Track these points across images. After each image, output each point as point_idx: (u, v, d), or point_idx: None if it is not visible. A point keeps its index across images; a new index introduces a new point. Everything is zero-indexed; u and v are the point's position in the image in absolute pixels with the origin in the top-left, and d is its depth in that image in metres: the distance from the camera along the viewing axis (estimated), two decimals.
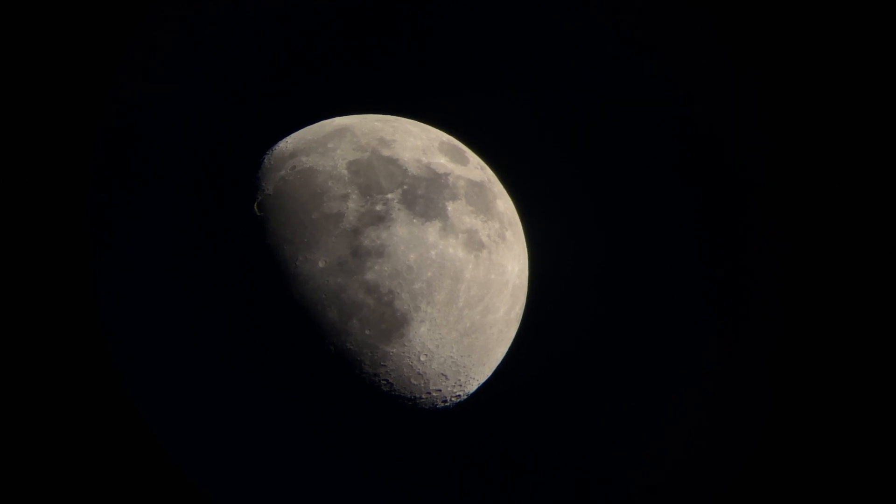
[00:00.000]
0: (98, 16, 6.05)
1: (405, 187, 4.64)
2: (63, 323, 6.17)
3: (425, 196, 4.65)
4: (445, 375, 4.82)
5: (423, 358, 4.65)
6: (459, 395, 5.09)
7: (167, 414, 6.30)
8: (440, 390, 4.89)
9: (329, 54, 6.54)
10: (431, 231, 4.57)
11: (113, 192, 6.48)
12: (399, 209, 4.56)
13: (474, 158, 5.20)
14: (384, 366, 4.61)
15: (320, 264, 4.46)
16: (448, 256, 4.59)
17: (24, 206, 6.08)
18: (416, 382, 4.75)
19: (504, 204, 5.15)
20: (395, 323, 4.53)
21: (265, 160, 4.98)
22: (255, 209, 4.69)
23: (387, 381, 4.67)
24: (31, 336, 6.06)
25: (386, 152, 4.77)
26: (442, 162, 4.88)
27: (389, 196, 4.59)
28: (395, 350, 4.58)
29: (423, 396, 4.86)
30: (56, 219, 6.20)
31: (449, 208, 4.68)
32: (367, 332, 4.51)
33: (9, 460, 5.91)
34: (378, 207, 4.55)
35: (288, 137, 5.13)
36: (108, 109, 6.34)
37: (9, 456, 5.92)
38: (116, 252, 6.45)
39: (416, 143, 4.93)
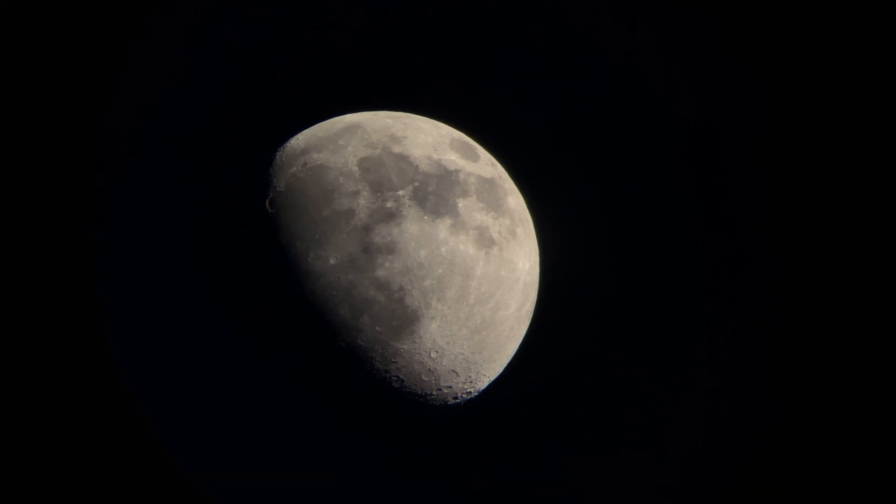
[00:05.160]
0: (102, 11, 6.04)
1: (416, 184, 4.65)
2: (63, 323, 6.14)
3: (436, 193, 4.65)
4: (456, 372, 4.83)
5: (433, 355, 4.66)
6: (470, 392, 5.10)
7: (169, 414, 6.27)
8: (451, 387, 4.90)
9: (340, 51, 6.55)
10: (442, 228, 4.58)
11: (113, 192, 6.45)
12: (410, 206, 4.57)
13: (485, 155, 5.21)
14: (395, 362, 4.61)
15: (331, 261, 4.46)
16: (459, 253, 4.60)
17: (24, 206, 6.04)
18: (426, 379, 4.75)
19: (515, 201, 5.17)
20: (405, 320, 4.53)
21: (276, 157, 4.98)
22: (267, 206, 4.69)
23: (397, 377, 4.67)
24: (31, 336, 6.03)
25: (397, 149, 4.78)
26: (453, 159, 4.89)
27: (400, 193, 4.59)
28: (405, 347, 4.58)
29: (434, 393, 4.86)
30: (56, 219, 6.17)
31: (460, 205, 4.69)
32: (377, 328, 4.51)
33: (9, 460, 5.87)
34: (389, 204, 4.55)
35: (299, 134, 5.13)
36: (110, 108, 6.32)
37: (9, 456, 5.88)
38: (117, 252, 6.42)
39: (427, 139, 4.94)
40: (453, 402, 5.05)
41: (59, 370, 6.08)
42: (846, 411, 5.94)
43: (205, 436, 6.25)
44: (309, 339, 4.55)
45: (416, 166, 4.72)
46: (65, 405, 6.07)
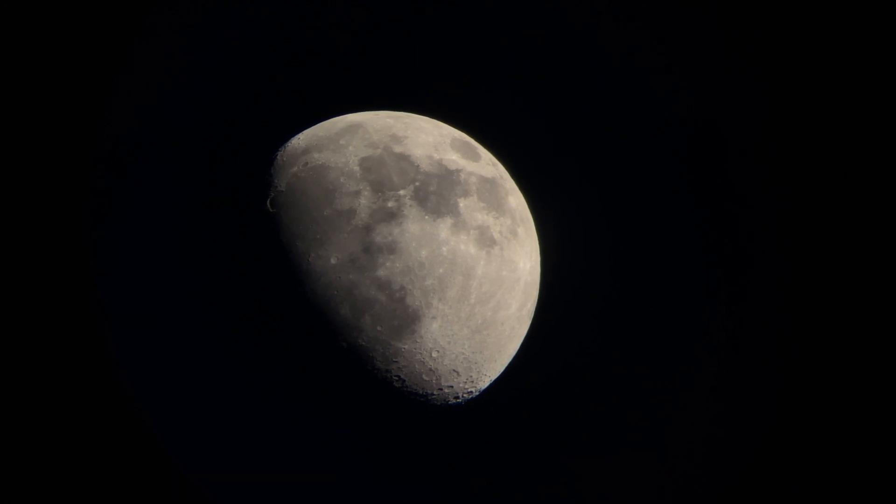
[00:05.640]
0: (102, 11, 6.04)
1: (417, 184, 4.65)
2: (63, 323, 6.14)
3: (437, 192, 4.66)
4: (457, 372, 4.82)
5: (434, 354, 4.66)
6: (471, 392, 5.10)
7: (169, 414, 6.27)
8: (452, 387, 4.89)
9: (340, 51, 6.55)
10: (443, 227, 4.58)
11: (113, 192, 6.45)
12: (411, 206, 4.57)
13: (486, 155, 5.21)
14: (396, 362, 4.61)
15: (332, 261, 4.46)
16: (460, 253, 4.60)
17: (25, 206, 6.04)
18: (427, 379, 4.75)
19: (516, 200, 5.17)
20: (406, 319, 4.53)
21: (277, 157, 4.98)
22: (268, 206, 4.69)
23: (399, 377, 4.67)
24: (31, 336, 6.02)
25: (398, 149, 4.78)
26: (454, 158, 4.89)
27: (401, 192, 4.59)
28: (406, 346, 4.58)
29: (435, 393, 4.86)
30: (56, 219, 6.17)
31: (461, 205, 4.69)
32: (378, 328, 4.51)
33: (9, 460, 5.86)
34: (390, 204, 4.55)
35: (300, 134, 5.14)
36: (110, 108, 6.32)
37: (9, 456, 5.87)
38: (117, 252, 6.42)
39: (428, 139, 4.94)
40: (454, 401, 5.05)
41: (59, 370, 6.07)
42: (846, 411, 5.94)
43: (205, 436, 6.25)
44: (310, 339, 4.55)
45: (417, 166, 4.72)
46: (65, 405, 6.06)
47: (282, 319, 4.58)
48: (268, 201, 4.70)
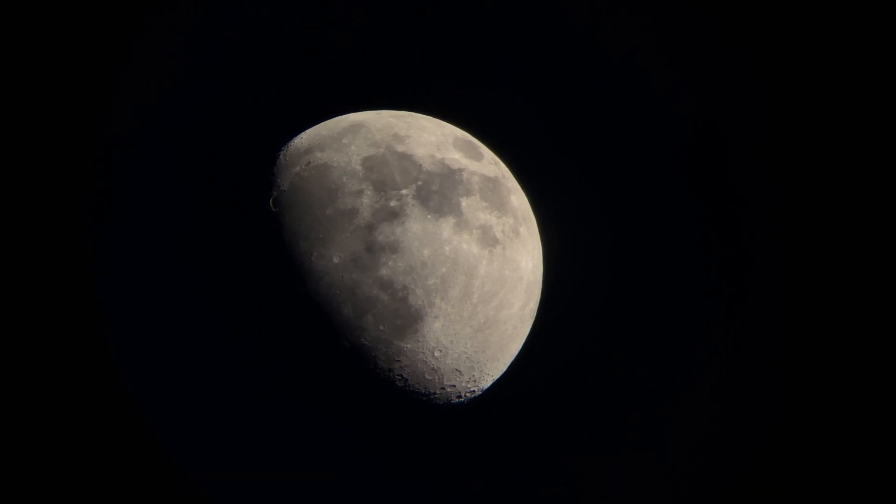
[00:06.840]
0: (102, 11, 6.03)
1: (419, 183, 4.65)
2: (63, 323, 6.13)
3: (439, 192, 4.66)
4: (459, 371, 4.82)
5: (437, 353, 4.66)
6: (474, 391, 5.10)
7: (169, 414, 6.26)
8: (454, 386, 4.89)
9: (340, 51, 6.55)
10: (445, 227, 4.58)
11: (113, 192, 6.45)
12: (413, 205, 4.57)
13: (489, 154, 5.22)
14: (398, 361, 4.61)
15: (335, 260, 4.46)
16: (462, 252, 4.60)
17: (25, 206, 6.03)
18: (430, 378, 4.75)
19: (518, 199, 5.17)
20: (409, 318, 4.53)
21: (280, 156, 4.98)
22: (270, 205, 4.68)
23: (401, 376, 4.67)
24: (31, 336, 6.01)
25: (400, 148, 4.78)
26: (456, 157, 4.89)
27: (403, 192, 4.59)
28: (409, 346, 4.58)
29: (438, 392, 4.86)
30: (56, 219, 6.16)
31: (463, 204, 4.69)
32: (381, 327, 4.51)
33: (9, 460, 5.85)
34: (392, 203, 4.55)
35: (302, 133, 5.13)
36: (110, 108, 6.31)
37: (9, 456, 5.86)
38: (117, 252, 6.42)
39: (431, 138, 4.94)
40: (457, 401, 5.05)
41: (59, 370, 6.06)
42: (846, 411, 5.95)
43: (205, 436, 6.24)
44: (312, 339, 4.55)
45: (420, 165, 4.72)
46: (65, 405, 6.05)
47: (283, 319, 4.57)
48: (270, 200, 4.70)
